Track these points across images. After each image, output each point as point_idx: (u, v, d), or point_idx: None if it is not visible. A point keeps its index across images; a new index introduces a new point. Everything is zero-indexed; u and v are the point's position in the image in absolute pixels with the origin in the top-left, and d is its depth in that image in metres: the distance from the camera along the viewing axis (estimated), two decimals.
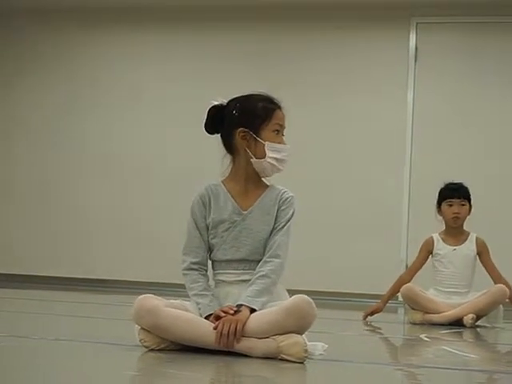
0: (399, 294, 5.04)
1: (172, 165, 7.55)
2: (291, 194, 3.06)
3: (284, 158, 3.00)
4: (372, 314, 4.85)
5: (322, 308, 3.39)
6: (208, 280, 3.01)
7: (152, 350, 2.85)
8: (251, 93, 3.04)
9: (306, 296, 2.83)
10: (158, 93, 7.69)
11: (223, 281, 2.99)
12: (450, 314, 4.73)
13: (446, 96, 7.23)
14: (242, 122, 2.97)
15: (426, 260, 5.02)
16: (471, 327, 4.63)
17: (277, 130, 3.00)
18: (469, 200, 4.99)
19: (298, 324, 2.79)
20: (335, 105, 7.38)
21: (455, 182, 5.05)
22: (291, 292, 2.95)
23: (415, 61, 7.27)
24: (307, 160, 7.19)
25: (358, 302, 6.54)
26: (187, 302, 2.97)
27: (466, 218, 5.00)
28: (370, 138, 7.26)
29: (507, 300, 4.77)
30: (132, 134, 7.72)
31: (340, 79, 7.40)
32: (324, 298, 6.39)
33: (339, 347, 3.32)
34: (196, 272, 2.99)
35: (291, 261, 3.10)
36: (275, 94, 3.07)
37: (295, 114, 6.88)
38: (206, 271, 3.02)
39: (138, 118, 7.71)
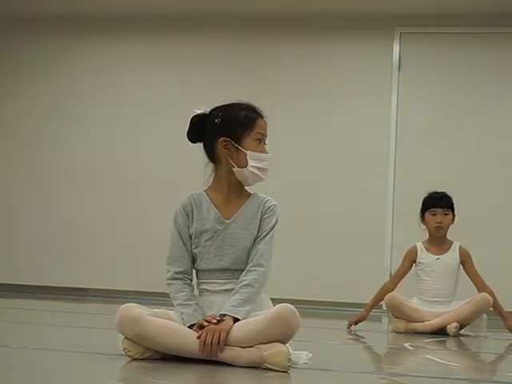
0: (383, 303, 5.05)
1: (158, 174, 7.53)
2: (274, 203, 3.05)
3: (266, 167, 3.00)
4: (356, 323, 4.85)
5: (306, 317, 3.39)
6: (193, 289, 3.00)
7: (136, 359, 2.84)
8: (234, 102, 3.04)
9: (289, 305, 2.83)
10: (142, 102, 7.68)
11: (207, 290, 2.98)
12: (433, 322, 4.74)
13: (430, 105, 7.27)
14: (224, 131, 2.97)
15: (410, 269, 5.03)
16: (455, 336, 4.64)
17: (259, 139, 2.99)
18: (452, 209, 5.01)
19: (281, 333, 2.78)
20: (319, 113, 7.40)
21: (438, 191, 5.06)
22: (275, 301, 2.94)
23: (399, 70, 7.31)
24: (291, 168, 7.20)
25: (342, 310, 6.55)
26: (171, 311, 2.96)
27: (449, 227, 5.02)
28: (354, 147, 7.28)
29: (491, 308, 4.79)
30: (116, 143, 7.70)
31: (324, 88, 7.42)
32: (308, 307, 6.39)
33: (323, 356, 3.31)
34: (180, 281, 2.98)
35: (275, 269, 3.10)
36: (259, 103, 3.07)
37: (279, 123, 6.95)
38: (191, 280, 3.01)
39: (123, 127, 7.70)
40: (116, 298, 5.99)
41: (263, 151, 3.00)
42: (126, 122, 7.68)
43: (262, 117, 3.03)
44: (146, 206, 7.45)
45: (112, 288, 7.28)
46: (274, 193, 3.17)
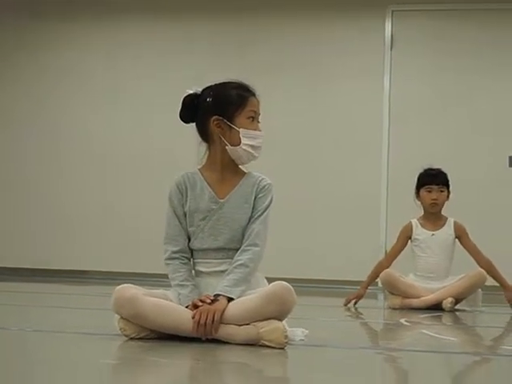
0: (379, 280, 5.07)
1: (154, 156, 7.53)
2: (269, 182, 3.05)
3: (259, 145, 3.00)
4: (356, 301, 4.86)
5: (302, 295, 3.41)
6: (190, 269, 3.00)
7: (132, 338, 2.85)
8: (225, 81, 3.04)
9: (285, 282, 2.84)
10: (136, 86, 7.66)
11: (202, 271, 2.99)
12: (429, 298, 4.76)
13: (423, 83, 7.26)
14: (216, 109, 2.97)
15: (405, 245, 5.05)
16: (450, 311, 4.67)
17: (251, 117, 2.99)
18: (447, 186, 5.02)
19: (277, 310, 2.80)
20: (312, 93, 7.39)
21: (434, 167, 5.07)
22: (271, 280, 2.94)
23: (391, 48, 7.29)
24: (284, 147, 7.21)
25: (338, 288, 6.58)
26: (168, 292, 2.97)
27: (444, 203, 5.03)
28: (347, 125, 7.29)
29: (487, 283, 4.81)
30: (114, 128, 7.68)
31: (316, 67, 7.41)
32: (304, 285, 6.41)
33: (319, 333, 3.33)
34: (177, 261, 2.98)
35: (270, 249, 3.11)
36: (252, 83, 3.07)
37: (272, 103, 6.92)
38: (189, 259, 3.02)
39: (119, 111, 7.68)
40: (116, 280, 6.00)
41: (256, 129, 3.00)
42: (123, 105, 7.67)
43: (254, 95, 3.02)
44: (144, 189, 7.45)
45: (112, 270, 7.29)
46: (269, 172, 3.17)
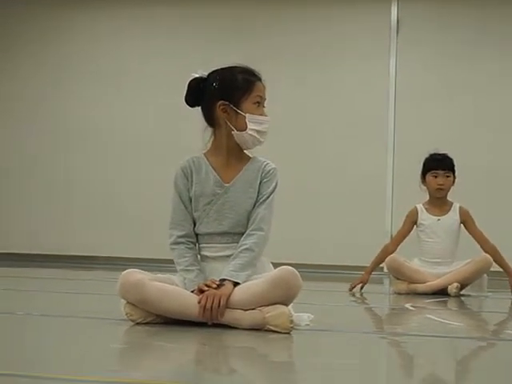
0: (384, 265, 5.07)
1: (157, 140, 7.53)
2: (274, 166, 3.05)
3: (265, 130, 2.99)
4: (362, 286, 4.87)
5: (308, 280, 3.42)
6: (196, 254, 3.00)
7: (138, 323, 2.86)
8: (231, 65, 3.03)
9: (290, 267, 2.85)
10: (140, 69, 7.65)
11: (207, 256, 2.99)
12: (434, 283, 4.77)
13: (428, 67, 7.24)
14: (222, 94, 2.96)
15: (411, 230, 5.05)
16: (456, 296, 4.67)
17: (257, 102, 2.98)
18: (453, 171, 5.01)
19: (283, 295, 2.81)
20: (318, 77, 7.38)
21: (440, 152, 5.05)
22: (277, 265, 2.95)
23: (397, 32, 7.27)
24: (289, 133, 7.20)
25: (344, 273, 6.59)
26: (174, 276, 2.98)
27: (450, 188, 5.02)
28: (353, 110, 7.27)
29: (492, 268, 4.81)
30: (116, 110, 7.69)
31: (321, 51, 7.39)
32: (310, 271, 6.43)
33: (325, 317, 3.34)
34: (183, 246, 2.98)
35: (276, 234, 3.11)
36: (256, 67, 3.06)
37: (279, 87, 6.91)
38: (194, 244, 3.02)
39: (121, 93, 7.68)
40: (123, 266, 6.03)
41: (262, 114, 3.00)
42: (125, 87, 7.67)
43: (260, 80, 3.02)
44: (150, 174, 7.46)
45: (119, 256, 7.32)
46: (274, 157, 3.17)
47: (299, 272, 2.86)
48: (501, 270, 4.90)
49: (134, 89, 7.65)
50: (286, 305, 2.82)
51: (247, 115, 2.96)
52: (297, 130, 7.31)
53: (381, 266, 5.14)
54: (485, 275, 4.86)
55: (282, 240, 6.05)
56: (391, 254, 4.89)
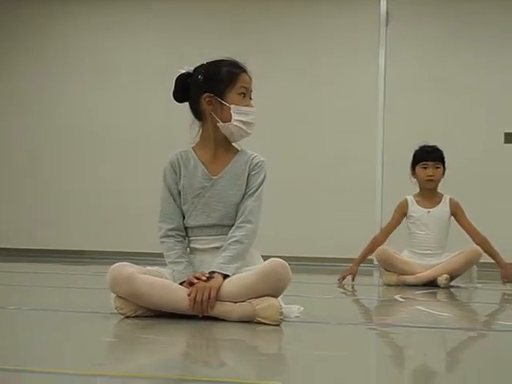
0: (374, 257, 5.08)
1: (146, 135, 7.52)
2: (262, 159, 3.05)
3: (251, 121, 3.00)
4: (353, 278, 4.88)
5: (298, 272, 3.43)
6: (185, 246, 3.01)
7: (128, 317, 2.87)
8: (217, 59, 3.04)
9: (280, 259, 2.85)
10: (130, 63, 7.64)
11: (197, 248, 3.00)
12: (424, 274, 4.78)
13: (418, 60, 7.26)
14: (207, 86, 2.97)
15: (400, 222, 5.06)
16: (445, 287, 4.69)
17: (243, 94, 2.99)
18: (443, 162, 5.02)
19: (273, 287, 2.81)
20: (308, 71, 7.38)
21: (430, 144, 5.07)
22: (267, 258, 2.95)
23: (386, 26, 7.27)
24: (280, 126, 7.21)
25: (334, 266, 6.60)
26: (164, 269, 2.98)
27: (440, 180, 5.03)
28: (343, 103, 7.28)
29: (482, 260, 4.83)
30: (109, 106, 7.67)
31: (312, 46, 7.39)
32: (300, 263, 6.44)
33: (315, 309, 3.35)
34: (172, 239, 2.99)
35: (266, 227, 3.11)
36: (246, 62, 3.06)
37: (268, 82, 6.91)
38: (184, 237, 3.02)
39: (111, 90, 7.66)
40: (113, 260, 6.02)
41: (248, 105, 3.00)
42: (114, 83, 7.65)
43: (245, 71, 3.02)
44: (141, 169, 7.45)
45: (109, 250, 7.31)
46: (263, 150, 3.17)
47: (289, 264, 2.86)
48: (490, 261, 4.92)
49: (123, 82, 7.63)
50: (276, 297, 2.83)
51: (232, 106, 2.97)
52: (286, 124, 7.31)
53: (371, 257, 5.15)
54: (474, 266, 4.87)
55: (272, 232, 6.07)
56: (380, 245, 4.91)
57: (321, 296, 4.26)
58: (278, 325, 2.77)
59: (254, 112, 3.00)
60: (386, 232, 5.04)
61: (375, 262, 5.35)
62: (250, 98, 3.02)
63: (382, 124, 7.22)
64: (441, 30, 7.21)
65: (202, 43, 7.26)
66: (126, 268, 2.87)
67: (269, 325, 2.76)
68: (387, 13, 7.26)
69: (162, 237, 3.01)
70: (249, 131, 3.01)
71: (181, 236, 3.01)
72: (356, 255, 5.05)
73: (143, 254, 6.68)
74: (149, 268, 2.95)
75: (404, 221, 5.05)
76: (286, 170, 7.02)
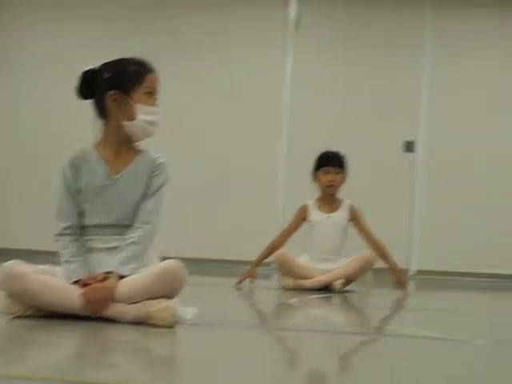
0: (272, 261, 5.10)
1: (52, 132, 7.39)
2: (164, 160, 3.04)
3: (156, 121, 2.98)
4: (252, 281, 4.89)
5: (196, 274, 3.41)
6: (81, 245, 2.95)
7: (18, 317, 2.79)
8: (124, 57, 3.01)
9: (177, 261, 2.84)
10: (37, 55, 7.49)
11: (94, 248, 2.95)
12: (320, 279, 4.83)
13: (324, 64, 7.39)
14: (114, 84, 2.94)
15: (299, 226, 5.10)
16: (340, 292, 4.76)
17: (149, 93, 2.97)
18: (344, 168, 5.09)
19: (168, 288, 2.80)
20: (216, 73, 7.39)
21: (332, 150, 5.14)
22: (165, 259, 2.93)
23: (295, 29, 7.35)
24: (183, 127, 7.19)
25: (235, 268, 6.61)
26: (57, 268, 2.92)
27: (340, 185, 5.10)
28: (248, 107, 7.33)
29: (378, 265, 4.93)
30: (11, 103, 7.51)
31: (221, 47, 7.41)
32: (200, 265, 6.43)
33: (211, 312, 3.34)
34: (67, 237, 2.93)
35: (166, 228, 3.09)
36: (153, 61, 3.04)
37: (173, 83, 6.88)
38: (80, 236, 2.97)
39: (17, 82, 7.50)
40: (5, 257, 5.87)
41: (153, 105, 2.99)
42: (21, 75, 7.50)
43: (152, 71, 3.00)
44: (44, 164, 7.29)
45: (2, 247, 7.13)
46: (168, 152, 3.14)
47: (187, 266, 2.85)
48: (385, 266, 5.02)
49: (29, 75, 7.47)
50: (171, 298, 2.81)
51: (137, 105, 2.94)
52: (190, 126, 7.30)
53: (269, 260, 5.17)
54: (369, 272, 4.97)
55: (171, 234, 6.02)
56: (277, 249, 4.94)
57: (218, 298, 4.26)
58: (171, 327, 2.76)
59: (159, 112, 2.99)
60: (284, 236, 5.07)
61: (273, 266, 5.38)
62: (156, 99, 3.00)
63: (287, 127, 7.30)
64: (349, 34, 7.36)
65: (104, 33, 7.17)
66: (17, 266, 2.80)
67: (163, 327, 2.74)
68: (297, 16, 7.34)
69: (57, 235, 2.96)
70: (153, 131, 2.99)
71: (76, 234, 2.96)
72: (254, 258, 5.07)
73: (39, 253, 6.53)
74: (41, 267, 2.89)
75: (303, 225, 5.10)
76: (189, 170, 7.01)
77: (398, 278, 5.00)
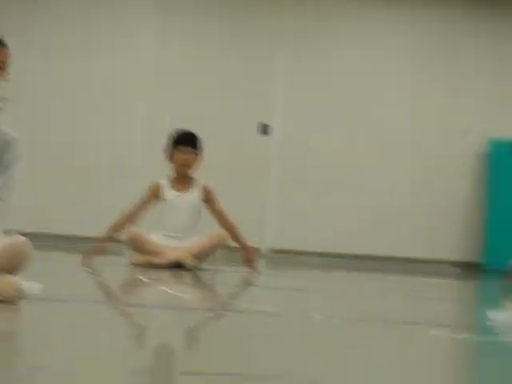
0: (123, 237, 5.00)
1: None
2: (15, 136, 2.95)
3: (4, 96, 2.90)
4: (99, 255, 4.80)
5: (44, 250, 3.37)
6: None
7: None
8: None
9: (21, 236, 2.79)
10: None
11: None
12: (170, 256, 4.82)
13: (186, 46, 7.47)
14: None
15: (149, 204, 5.05)
16: (191, 269, 4.79)
17: None
18: (199, 148, 5.11)
19: (12, 263, 2.74)
20: (79, 53, 7.38)
21: (186, 130, 5.16)
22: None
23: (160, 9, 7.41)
24: (50, 117, 7.16)
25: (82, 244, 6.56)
26: None
27: (194, 165, 5.10)
28: (109, 87, 7.36)
29: (230, 244, 5.00)
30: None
31: (90, 29, 7.42)
32: (49, 241, 6.31)
33: (57, 288, 3.30)
34: None
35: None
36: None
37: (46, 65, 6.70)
38: None
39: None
40: None
41: (4, 80, 2.90)
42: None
43: (3, 44, 2.92)
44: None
45: None
46: (39, 142, 3.06)
47: (33, 242, 2.80)
48: (236, 244, 5.09)
49: None
50: (15, 274, 2.77)
51: None
52: (56, 114, 7.28)
53: (114, 235, 5.03)
54: (219, 249, 5.02)
55: (20, 209, 5.90)
56: (124, 226, 4.86)
57: (66, 274, 4.20)
58: (14, 303, 2.71)
59: (4, 87, 2.90)
60: (133, 213, 5.00)
61: (124, 242, 5.29)
62: (8, 73, 2.92)
63: (145, 108, 7.32)
64: (210, 17, 7.46)
65: None
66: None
67: (5, 302, 2.69)
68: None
69: None
70: (1, 106, 2.91)
71: None
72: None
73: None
74: None
75: (155, 203, 5.08)
76: (50, 147, 7.00)
77: (247, 256, 5.08)
